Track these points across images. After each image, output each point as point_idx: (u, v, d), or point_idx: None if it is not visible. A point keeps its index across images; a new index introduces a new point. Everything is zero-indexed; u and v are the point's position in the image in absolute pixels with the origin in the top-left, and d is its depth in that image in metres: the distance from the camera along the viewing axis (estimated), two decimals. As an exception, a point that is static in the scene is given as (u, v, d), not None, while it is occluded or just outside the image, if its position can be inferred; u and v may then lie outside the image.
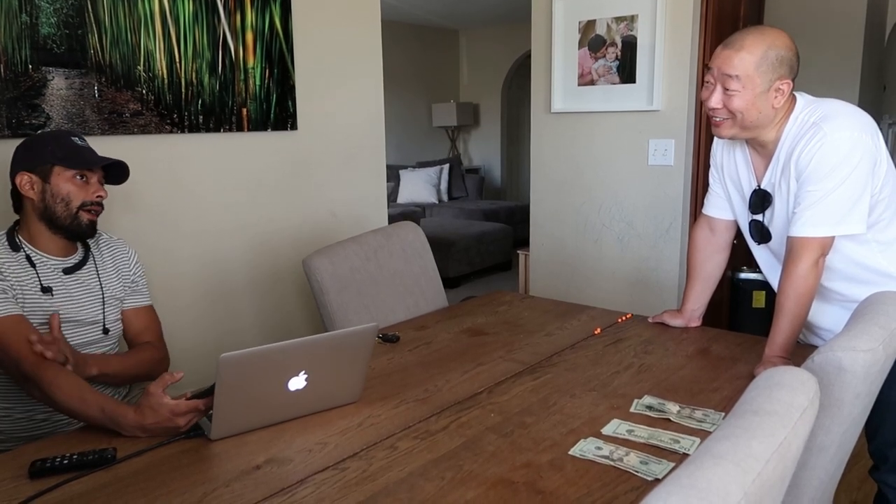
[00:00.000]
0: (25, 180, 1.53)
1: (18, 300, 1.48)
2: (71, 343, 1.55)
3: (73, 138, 1.57)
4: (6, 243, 1.53)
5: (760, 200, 1.63)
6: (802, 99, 1.55)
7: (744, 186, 1.68)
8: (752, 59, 1.47)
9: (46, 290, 1.53)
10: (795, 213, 1.51)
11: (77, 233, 1.57)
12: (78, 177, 1.54)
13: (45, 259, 1.56)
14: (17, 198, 1.56)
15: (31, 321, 1.48)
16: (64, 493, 1.11)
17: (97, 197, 1.57)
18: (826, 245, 1.50)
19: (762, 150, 1.60)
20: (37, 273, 1.53)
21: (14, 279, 1.49)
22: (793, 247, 1.52)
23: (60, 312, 1.53)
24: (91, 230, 1.58)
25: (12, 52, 1.84)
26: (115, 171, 1.64)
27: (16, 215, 1.59)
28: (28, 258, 1.53)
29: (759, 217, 1.66)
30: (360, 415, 1.38)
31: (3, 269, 1.48)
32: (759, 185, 1.63)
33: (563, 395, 1.46)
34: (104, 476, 1.15)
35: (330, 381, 1.36)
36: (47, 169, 1.53)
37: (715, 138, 1.74)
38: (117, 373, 1.58)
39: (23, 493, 1.10)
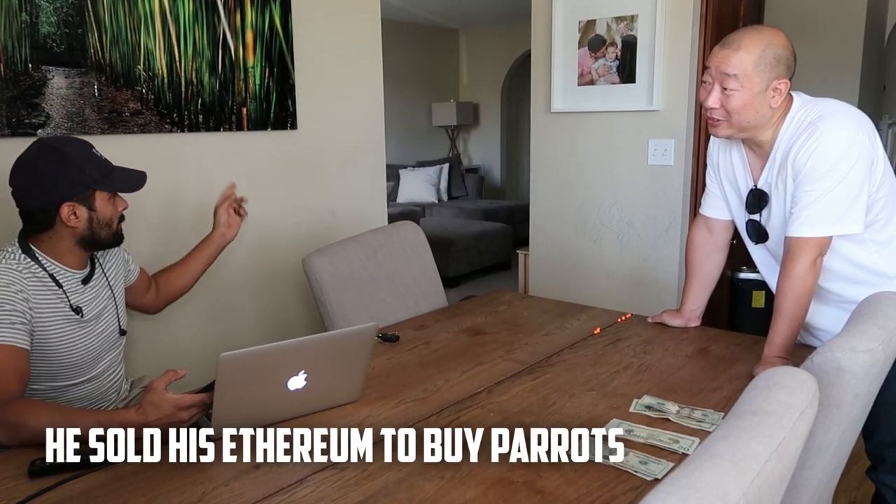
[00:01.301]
0: (69, 211, 1.43)
1: (45, 324, 1.42)
2: (91, 348, 1.53)
3: (94, 151, 1.50)
4: (28, 261, 1.44)
5: (757, 200, 1.63)
6: (799, 98, 1.55)
7: (740, 186, 1.68)
8: (750, 58, 1.47)
9: (77, 310, 1.48)
10: (792, 214, 1.51)
11: (115, 245, 1.57)
12: (112, 196, 1.51)
13: (70, 274, 1.50)
14: (44, 221, 1.45)
15: (63, 343, 1.45)
16: (63, 491, 1.11)
17: (123, 209, 1.55)
18: (824, 245, 1.50)
19: (759, 149, 1.60)
20: (65, 293, 1.47)
21: (38, 300, 1.41)
22: (790, 247, 1.52)
23: (86, 325, 1.50)
24: (123, 238, 1.58)
25: (12, 50, 1.84)
26: None
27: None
28: (52, 277, 1.46)
29: (755, 217, 1.66)
30: (359, 414, 1.38)
31: (28, 293, 1.40)
32: (755, 185, 1.63)
33: (562, 394, 1.46)
34: (103, 475, 1.15)
35: (329, 380, 1.36)
36: (89, 195, 1.46)
37: (711, 138, 1.74)
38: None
39: (22, 491, 1.10)
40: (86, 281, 1.54)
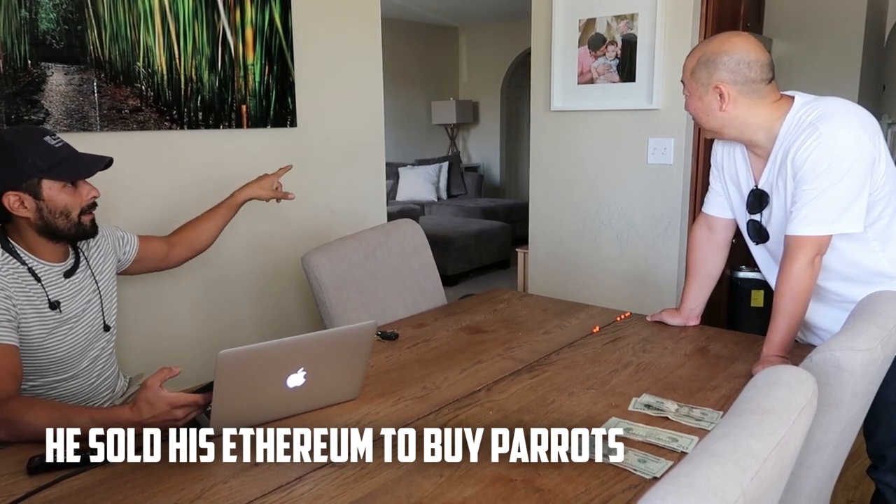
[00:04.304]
0: (14, 200, 1.40)
1: (27, 319, 1.42)
2: (75, 343, 1.52)
3: (45, 139, 1.44)
4: (7, 257, 1.42)
5: (758, 200, 1.63)
6: (800, 99, 1.54)
7: (742, 186, 1.68)
8: (689, 64, 1.59)
9: (54, 305, 1.46)
10: (792, 212, 1.51)
11: (83, 237, 1.51)
12: (69, 184, 1.45)
13: (48, 267, 1.48)
14: (5, 213, 1.43)
15: (43, 339, 1.45)
16: (62, 489, 1.11)
17: (92, 198, 1.50)
18: (822, 244, 1.50)
19: (758, 150, 1.61)
20: (43, 287, 1.45)
21: (20, 296, 1.40)
22: (789, 246, 1.52)
23: (67, 320, 1.49)
24: (95, 229, 1.53)
25: (11, 47, 1.84)
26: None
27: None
28: (31, 271, 1.44)
29: (756, 217, 1.66)
30: (358, 412, 1.38)
31: (9, 290, 1.38)
32: (756, 186, 1.63)
33: (561, 393, 1.46)
34: (102, 472, 1.15)
35: (328, 378, 1.36)
36: (35, 184, 1.40)
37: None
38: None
39: (21, 488, 1.10)
40: (68, 274, 1.51)
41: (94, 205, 1.51)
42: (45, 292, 1.46)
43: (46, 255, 1.48)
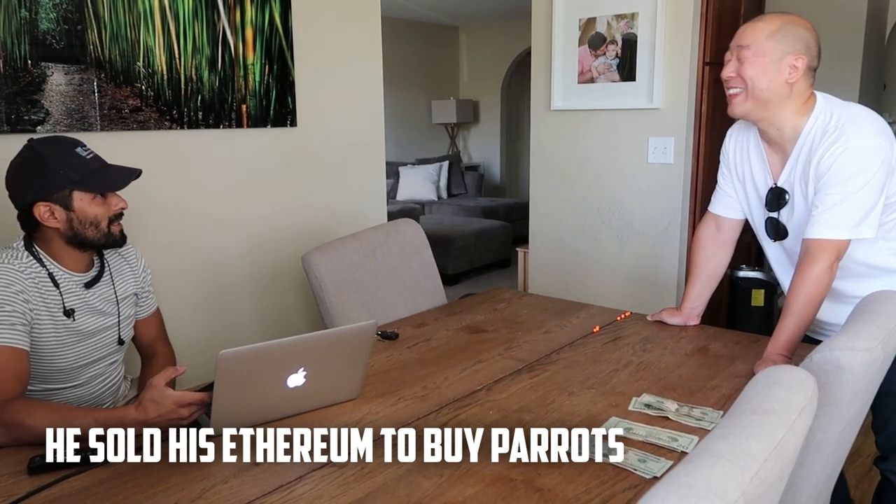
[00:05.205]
0: (45, 211, 1.42)
1: (41, 324, 1.42)
2: (88, 357, 1.52)
3: (77, 150, 1.46)
4: (31, 260, 1.44)
5: (777, 198, 1.64)
6: (823, 98, 1.56)
7: (758, 184, 1.68)
8: (767, 28, 1.52)
9: (69, 313, 1.46)
10: (813, 216, 1.52)
11: (111, 246, 1.52)
12: (98, 195, 1.47)
13: (69, 276, 1.49)
14: (28, 221, 1.45)
15: (51, 347, 1.45)
16: (62, 489, 1.11)
17: (120, 209, 1.51)
18: (842, 248, 1.51)
19: (777, 145, 1.61)
20: (60, 294, 1.46)
21: (37, 300, 1.41)
22: (809, 249, 1.52)
23: (80, 332, 1.49)
24: (123, 239, 1.53)
25: (11, 47, 1.84)
26: None
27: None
28: (51, 276, 1.45)
29: (775, 215, 1.66)
30: (358, 412, 1.38)
31: (28, 293, 1.40)
32: (775, 184, 1.64)
33: (561, 392, 1.46)
34: (103, 472, 1.15)
35: (329, 378, 1.36)
36: (66, 195, 1.42)
37: (727, 135, 1.75)
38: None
39: (22, 488, 1.10)
40: (89, 285, 1.52)
41: (121, 214, 1.52)
42: (62, 299, 1.46)
43: (70, 264, 1.49)
